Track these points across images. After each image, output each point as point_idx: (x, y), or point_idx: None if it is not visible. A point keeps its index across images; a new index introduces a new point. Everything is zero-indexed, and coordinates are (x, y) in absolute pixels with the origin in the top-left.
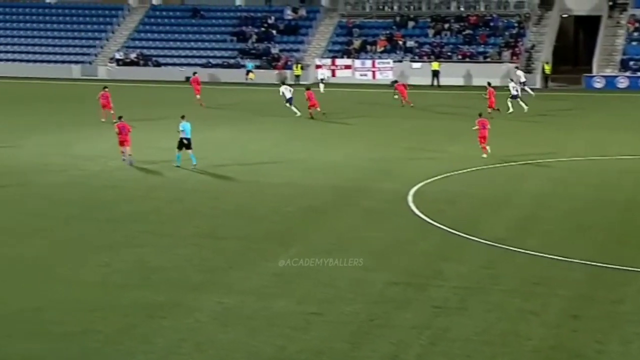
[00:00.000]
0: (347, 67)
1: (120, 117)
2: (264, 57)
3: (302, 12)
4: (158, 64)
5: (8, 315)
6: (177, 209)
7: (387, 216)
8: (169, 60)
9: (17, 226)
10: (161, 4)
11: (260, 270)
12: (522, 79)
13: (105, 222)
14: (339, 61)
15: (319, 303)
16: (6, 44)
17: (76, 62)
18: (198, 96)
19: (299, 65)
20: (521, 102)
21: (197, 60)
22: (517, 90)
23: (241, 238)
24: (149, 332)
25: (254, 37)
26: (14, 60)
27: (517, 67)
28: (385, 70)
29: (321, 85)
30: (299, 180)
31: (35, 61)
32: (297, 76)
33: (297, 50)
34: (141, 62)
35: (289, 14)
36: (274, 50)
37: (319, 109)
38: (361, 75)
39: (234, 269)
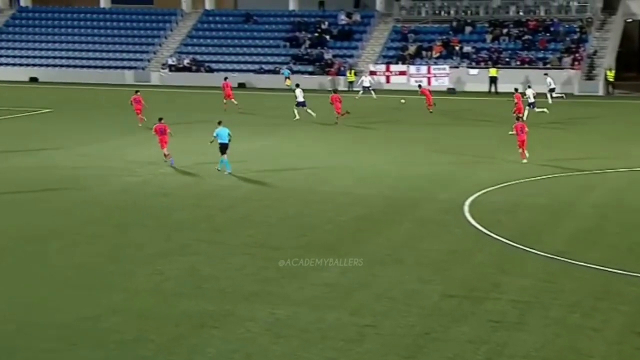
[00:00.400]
0: (402, 73)
1: (160, 119)
2: (317, 63)
3: (357, 17)
4: (211, 70)
5: (71, 323)
6: (230, 217)
7: (443, 226)
8: (221, 66)
9: (73, 233)
10: (214, 9)
11: (313, 280)
12: (552, 85)
13: (158, 230)
14: (393, 67)
15: (373, 315)
16: (60, 50)
17: (129, 68)
18: (225, 100)
19: (353, 71)
20: (537, 109)
21: (249, 66)
22: (534, 98)
23: (294, 247)
24: (200, 342)
25: (307, 42)
26: (67, 66)
27: (545, 74)
28: (441, 76)
29: (360, 92)
30: (352, 189)
31: (89, 67)
32: (351, 82)
33: (350, 56)
34: (194, 68)
35: (342, 19)
36: (327, 56)
37: (340, 113)
38: (416, 81)
39: (286, 279)
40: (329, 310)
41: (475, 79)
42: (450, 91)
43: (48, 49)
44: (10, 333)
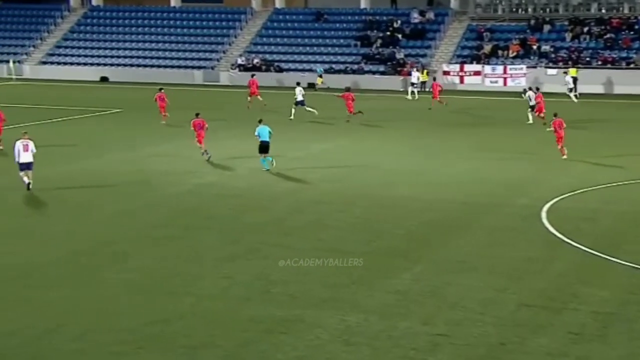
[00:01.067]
0: (477, 73)
1: (197, 114)
2: (389, 63)
3: (430, 15)
4: (280, 70)
5: (138, 327)
6: (299, 221)
7: (519, 234)
8: (291, 65)
9: (140, 236)
10: (284, 8)
11: (384, 287)
12: (570, 85)
13: (226, 233)
14: (467, 67)
15: (446, 324)
16: (130, 49)
17: (199, 68)
18: (249, 98)
19: (425, 71)
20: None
21: (319, 66)
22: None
23: (365, 253)
24: (269, 347)
25: (379, 41)
26: (137, 65)
27: (565, 72)
28: (517, 76)
29: (410, 89)
30: (423, 194)
31: (158, 66)
32: (423, 82)
33: (423, 56)
34: (263, 67)
35: (415, 17)
36: (399, 55)
37: (352, 111)
38: (491, 82)
39: (357, 285)
40: (400, 318)
41: (553, 79)
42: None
43: (118, 49)
44: (79, 336)
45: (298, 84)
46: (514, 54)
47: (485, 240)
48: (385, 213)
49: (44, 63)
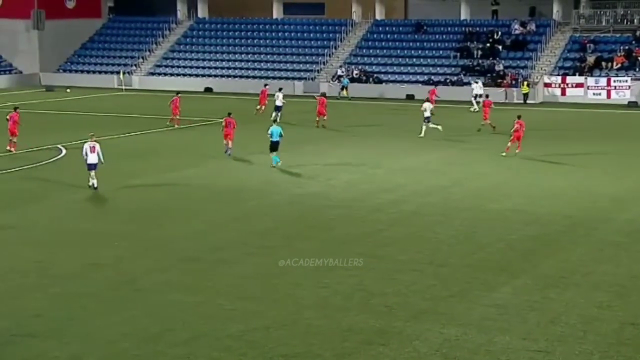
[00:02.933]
0: (579, 85)
1: (229, 114)
2: (489, 74)
3: (531, 26)
4: (379, 81)
5: (242, 334)
6: (398, 233)
7: (625, 249)
8: (390, 77)
9: (241, 244)
10: (384, 19)
11: (483, 301)
12: (478, 92)
13: (324, 243)
14: (569, 79)
15: (546, 340)
16: (234, 60)
17: (299, 79)
18: (258, 106)
19: (526, 83)
20: (431, 125)
21: (418, 77)
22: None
23: (464, 266)
24: (368, 359)
25: (479, 53)
26: (240, 76)
27: (476, 81)
28: (622, 89)
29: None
30: (524, 206)
31: (260, 77)
32: (525, 94)
33: (524, 67)
34: (363, 78)
35: (516, 28)
36: (499, 67)
37: (325, 117)
38: (594, 94)
39: (455, 298)
40: (500, 333)
41: None
42: (632, 105)
43: (222, 60)
44: (185, 341)
45: (280, 89)
46: (619, 65)
47: (588, 255)
48: (485, 226)
49: (152, 74)
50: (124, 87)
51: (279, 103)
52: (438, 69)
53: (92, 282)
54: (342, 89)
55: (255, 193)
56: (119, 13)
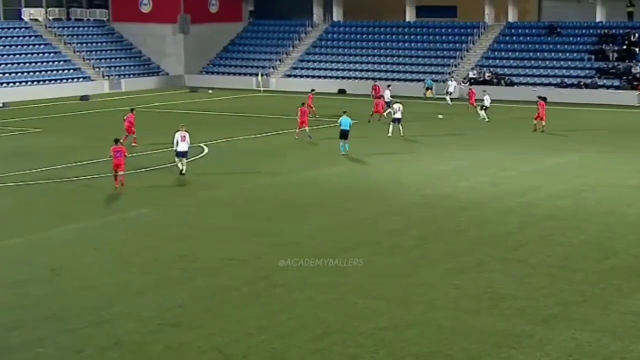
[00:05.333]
0: None
1: (303, 104)
2: (624, 77)
3: None
4: (511, 83)
5: (373, 332)
6: (529, 235)
7: None
8: (522, 79)
9: (374, 243)
10: (517, 22)
11: (617, 307)
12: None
13: (455, 244)
14: None
15: None
16: (367, 63)
17: (432, 81)
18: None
19: None
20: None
21: (550, 80)
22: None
23: (597, 271)
24: None
25: (614, 55)
26: (372, 78)
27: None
28: None
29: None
30: None
31: (392, 79)
32: None
33: None
34: (494, 80)
35: None
36: (636, 69)
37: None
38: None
39: (588, 304)
40: (636, 340)
41: None
42: None
43: (356, 62)
44: (320, 336)
45: (389, 86)
46: None
47: None
48: (619, 232)
49: (288, 76)
50: (262, 89)
51: (387, 99)
52: (571, 71)
53: (231, 277)
54: (426, 89)
55: (386, 194)
56: (258, 17)
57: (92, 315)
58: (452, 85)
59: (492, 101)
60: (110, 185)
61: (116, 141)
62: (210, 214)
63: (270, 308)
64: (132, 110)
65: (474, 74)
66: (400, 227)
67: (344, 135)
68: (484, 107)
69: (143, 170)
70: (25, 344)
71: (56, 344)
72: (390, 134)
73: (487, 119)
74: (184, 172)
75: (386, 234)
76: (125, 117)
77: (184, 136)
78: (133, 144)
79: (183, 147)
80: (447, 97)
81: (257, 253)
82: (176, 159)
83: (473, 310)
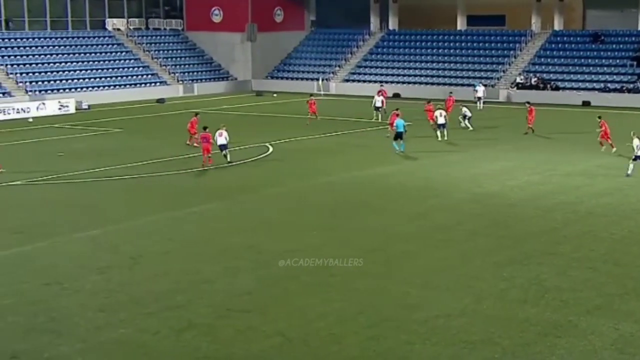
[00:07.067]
0: None
1: (397, 109)
2: None
3: None
4: (557, 88)
5: (426, 320)
6: (573, 231)
7: None
8: (567, 84)
9: (425, 237)
10: (563, 30)
11: None
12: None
13: (504, 239)
14: None
15: None
16: (420, 68)
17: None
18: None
19: None
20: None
21: (594, 85)
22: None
23: (638, 266)
24: (544, 349)
25: None
26: (425, 83)
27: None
28: None
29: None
30: None
31: (444, 84)
32: None
33: None
34: (540, 86)
35: None
36: None
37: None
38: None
39: (630, 296)
40: None
41: None
42: None
43: (410, 68)
44: (376, 323)
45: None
46: None
47: None
48: None
49: (347, 81)
50: (322, 92)
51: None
52: (614, 77)
53: (293, 267)
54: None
55: (437, 191)
56: (319, 26)
57: (168, 300)
58: (480, 90)
59: (538, 105)
60: (183, 180)
61: (205, 128)
62: (272, 208)
63: (329, 296)
64: (196, 114)
65: (521, 79)
66: (452, 222)
67: (398, 135)
68: (467, 117)
69: (211, 168)
70: (110, 325)
71: (135, 326)
72: (439, 139)
73: (471, 128)
74: (229, 159)
75: (438, 229)
76: (189, 123)
77: (221, 133)
78: (195, 144)
79: (221, 141)
80: (479, 104)
81: (316, 245)
82: (222, 152)
83: (520, 300)
